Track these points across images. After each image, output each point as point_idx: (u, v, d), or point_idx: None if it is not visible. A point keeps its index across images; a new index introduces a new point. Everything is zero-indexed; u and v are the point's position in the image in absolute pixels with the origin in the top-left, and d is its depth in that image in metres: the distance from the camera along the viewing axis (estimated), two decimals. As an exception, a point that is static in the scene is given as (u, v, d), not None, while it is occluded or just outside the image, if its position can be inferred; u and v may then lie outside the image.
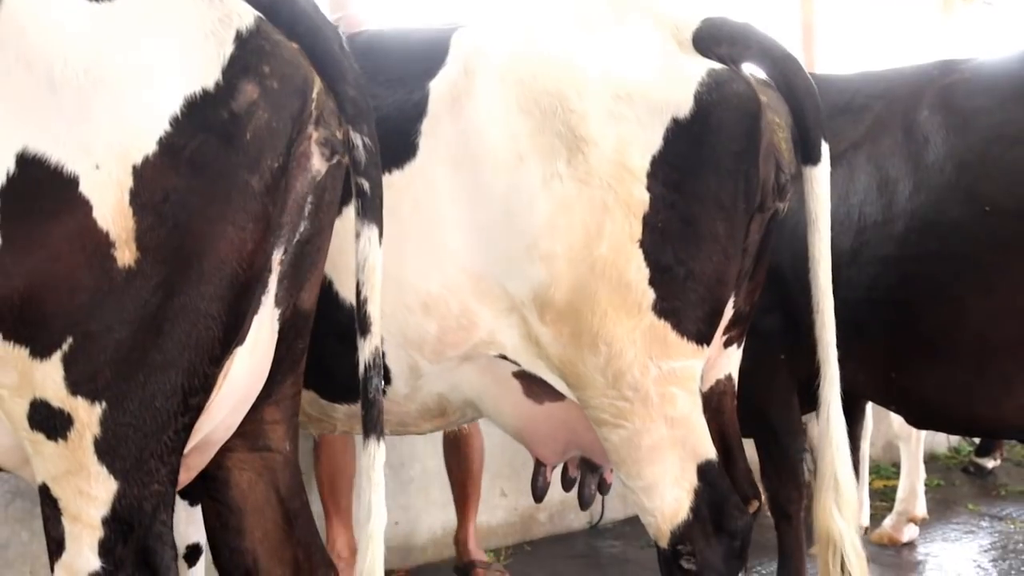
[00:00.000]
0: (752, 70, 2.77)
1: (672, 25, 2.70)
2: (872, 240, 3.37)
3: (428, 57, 2.85)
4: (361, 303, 2.27)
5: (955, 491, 6.25)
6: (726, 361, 3.05)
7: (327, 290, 2.87)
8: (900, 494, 5.42)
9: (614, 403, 2.65)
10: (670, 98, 2.59)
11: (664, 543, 2.69)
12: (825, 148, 2.73)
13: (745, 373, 3.80)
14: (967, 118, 3.27)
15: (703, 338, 2.68)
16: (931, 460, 6.36)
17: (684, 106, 2.58)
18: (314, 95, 2.20)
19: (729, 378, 3.09)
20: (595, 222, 2.58)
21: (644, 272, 2.58)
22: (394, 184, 2.73)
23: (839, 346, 3.47)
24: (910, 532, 5.33)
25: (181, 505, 3.48)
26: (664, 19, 2.72)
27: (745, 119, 2.65)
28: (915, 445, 5.43)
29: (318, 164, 2.26)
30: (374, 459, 2.25)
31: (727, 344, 3.00)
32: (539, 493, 3.56)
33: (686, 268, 2.60)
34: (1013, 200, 3.11)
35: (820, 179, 2.74)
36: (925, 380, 3.38)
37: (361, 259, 2.26)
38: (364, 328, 2.29)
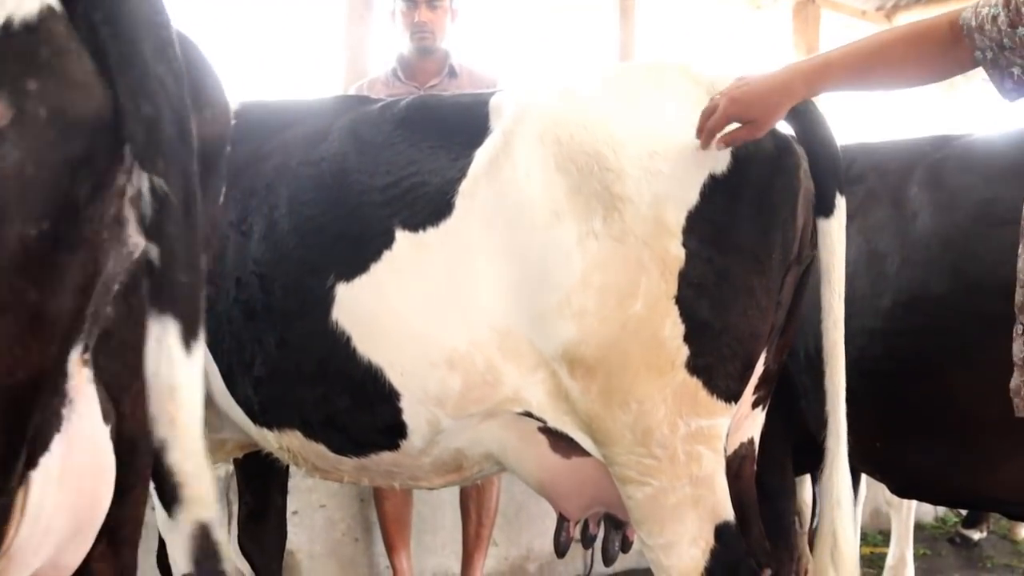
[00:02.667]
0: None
1: (708, 84, 2.70)
2: (860, 312, 3.34)
3: (470, 122, 2.88)
4: (158, 452, 1.54)
5: (941, 561, 6.18)
6: (751, 424, 3.02)
7: (343, 346, 2.84)
8: (889, 561, 5.37)
9: (641, 460, 2.61)
10: (707, 155, 2.57)
11: None
12: (841, 201, 2.71)
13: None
14: (955, 195, 3.26)
15: (732, 396, 2.66)
16: (918, 529, 6.26)
17: (721, 162, 2.59)
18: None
19: (751, 442, 3.05)
20: (629, 280, 2.57)
21: (679, 328, 2.57)
22: (428, 242, 2.76)
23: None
24: None
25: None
26: (700, 79, 2.74)
27: (783, 172, 2.67)
28: (906, 513, 5.36)
29: (135, 235, 1.62)
30: None
31: (755, 405, 2.97)
32: (561, 548, 3.50)
33: (722, 323, 2.59)
34: (996, 279, 3.08)
35: (834, 232, 2.71)
36: (908, 451, 3.36)
37: (150, 374, 1.52)
38: (173, 494, 1.55)
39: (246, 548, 3.88)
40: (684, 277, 2.56)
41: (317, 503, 4.86)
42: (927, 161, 3.43)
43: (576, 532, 3.40)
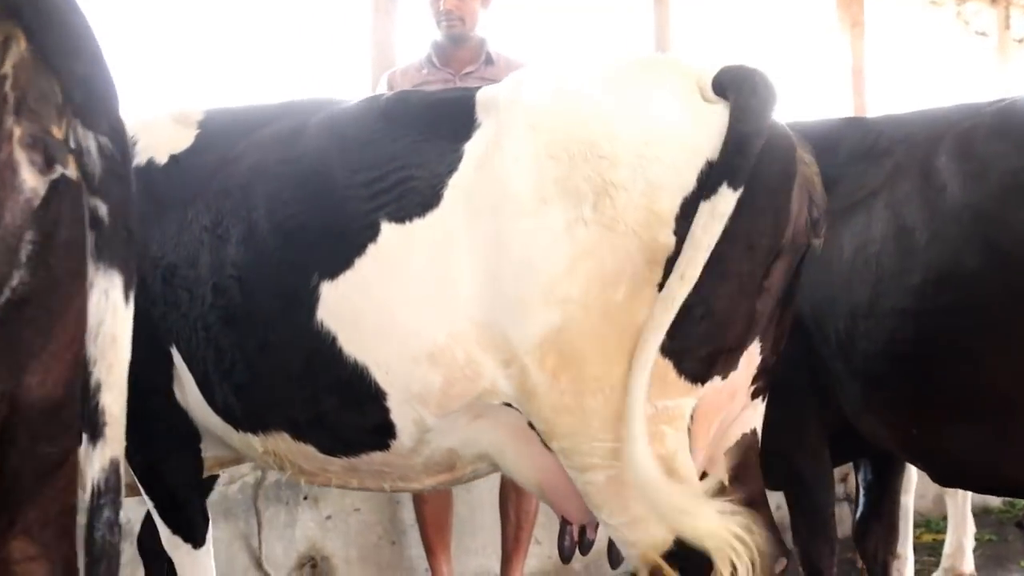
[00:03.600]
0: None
1: (696, 75, 2.65)
2: (889, 292, 3.15)
3: (454, 117, 2.83)
4: (91, 390, 1.64)
5: (1008, 547, 5.86)
6: (752, 414, 2.98)
7: (329, 346, 2.78)
8: (947, 549, 5.15)
9: (605, 445, 2.57)
10: (704, 140, 2.53)
11: (645, 571, 2.64)
12: (726, 194, 2.46)
13: (774, 426, 3.64)
14: (986, 164, 3.03)
15: (700, 378, 2.63)
16: (984, 514, 6.02)
17: (718, 147, 2.52)
18: (7, 67, 1.50)
19: (754, 432, 3.02)
20: (616, 267, 2.52)
21: None
22: (414, 233, 2.72)
23: (861, 397, 3.29)
24: None
25: (181, 552, 3.36)
26: (688, 70, 2.69)
27: (779, 156, 2.62)
28: (962, 499, 5.13)
29: (31, 179, 1.56)
30: None
31: (755, 395, 2.94)
32: (567, 554, 3.39)
33: (704, 309, 2.55)
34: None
35: (702, 218, 2.48)
36: (947, 437, 3.14)
37: (95, 323, 1.61)
38: (95, 430, 1.66)
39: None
40: (672, 265, 2.50)
41: (351, 507, 4.78)
42: (956, 130, 3.20)
43: (577, 535, 3.32)
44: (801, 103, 7.01)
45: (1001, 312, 2.92)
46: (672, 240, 2.51)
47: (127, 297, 1.63)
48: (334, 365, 2.80)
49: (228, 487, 3.65)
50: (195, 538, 3.36)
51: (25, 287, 1.61)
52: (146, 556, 3.60)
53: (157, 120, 3.35)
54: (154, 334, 3.00)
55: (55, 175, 1.59)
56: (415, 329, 2.71)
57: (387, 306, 2.75)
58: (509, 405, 2.73)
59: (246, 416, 3.04)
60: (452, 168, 2.74)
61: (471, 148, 2.75)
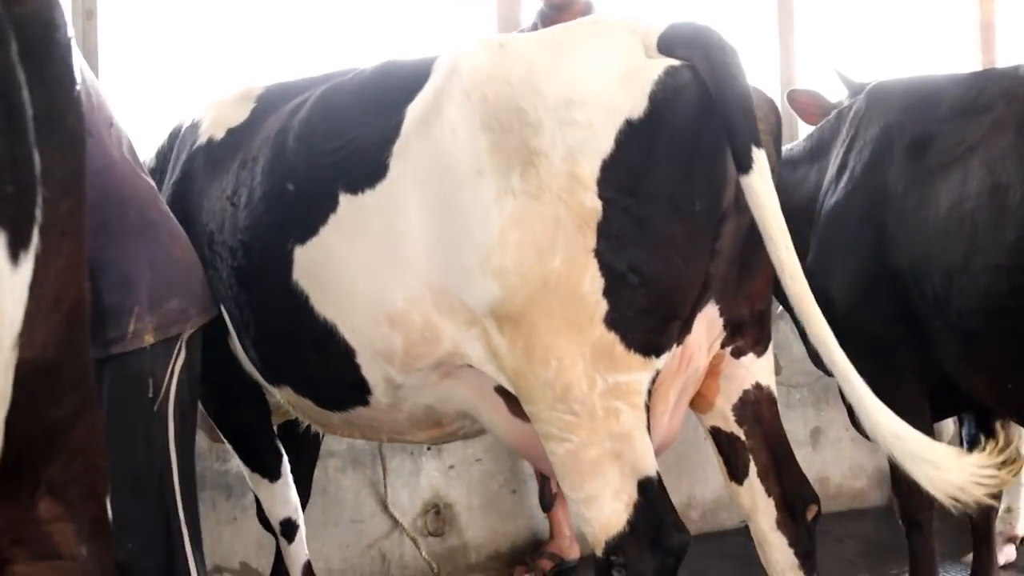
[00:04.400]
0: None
1: (644, 33, 2.58)
2: (984, 248, 3.11)
3: (411, 82, 2.80)
4: None
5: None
6: (745, 372, 2.90)
7: (304, 305, 2.93)
8: (1001, 512, 4.73)
9: (562, 417, 2.53)
10: (624, 99, 2.46)
11: (599, 552, 2.56)
12: (759, 154, 2.45)
13: (873, 382, 3.62)
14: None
15: (652, 350, 2.53)
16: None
17: (638, 106, 2.44)
18: None
19: (759, 387, 2.91)
20: (547, 236, 2.47)
21: (599, 283, 2.46)
22: (366, 204, 2.76)
23: (958, 353, 3.27)
24: (1008, 554, 4.73)
25: (262, 486, 3.65)
26: (638, 28, 2.60)
27: (707, 114, 2.47)
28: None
29: None
30: None
31: (737, 355, 2.87)
32: (546, 503, 3.50)
33: (639, 275, 2.47)
34: None
35: (758, 187, 2.46)
36: (1045, 393, 3.10)
37: None
38: None
39: None
40: (602, 230, 2.44)
41: (473, 457, 4.92)
42: (1058, 82, 3.14)
43: (556, 488, 3.29)
44: (930, 60, 6.85)
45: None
46: (599, 204, 2.44)
47: (14, 257, 1.44)
48: (311, 323, 2.92)
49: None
50: (270, 473, 3.64)
51: None
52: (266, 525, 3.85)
53: (224, 97, 3.55)
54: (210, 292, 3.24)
55: None
56: (374, 294, 2.77)
57: (347, 272, 2.83)
58: (471, 367, 2.74)
59: (263, 369, 3.27)
60: (394, 135, 2.73)
61: (411, 110, 2.72)
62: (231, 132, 3.36)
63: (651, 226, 2.46)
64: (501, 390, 2.74)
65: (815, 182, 3.87)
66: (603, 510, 2.53)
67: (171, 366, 2.94)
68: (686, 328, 2.64)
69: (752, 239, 2.61)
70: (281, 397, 3.30)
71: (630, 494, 2.52)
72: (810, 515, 2.87)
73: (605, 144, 2.44)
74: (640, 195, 2.46)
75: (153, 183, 3.17)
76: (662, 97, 2.46)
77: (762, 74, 6.03)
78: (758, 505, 2.88)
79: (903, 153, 3.49)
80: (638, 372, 2.52)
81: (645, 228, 2.46)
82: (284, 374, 3.23)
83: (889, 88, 3.74)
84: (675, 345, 2.61)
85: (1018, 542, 4.80)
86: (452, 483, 4.89)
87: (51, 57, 1.57)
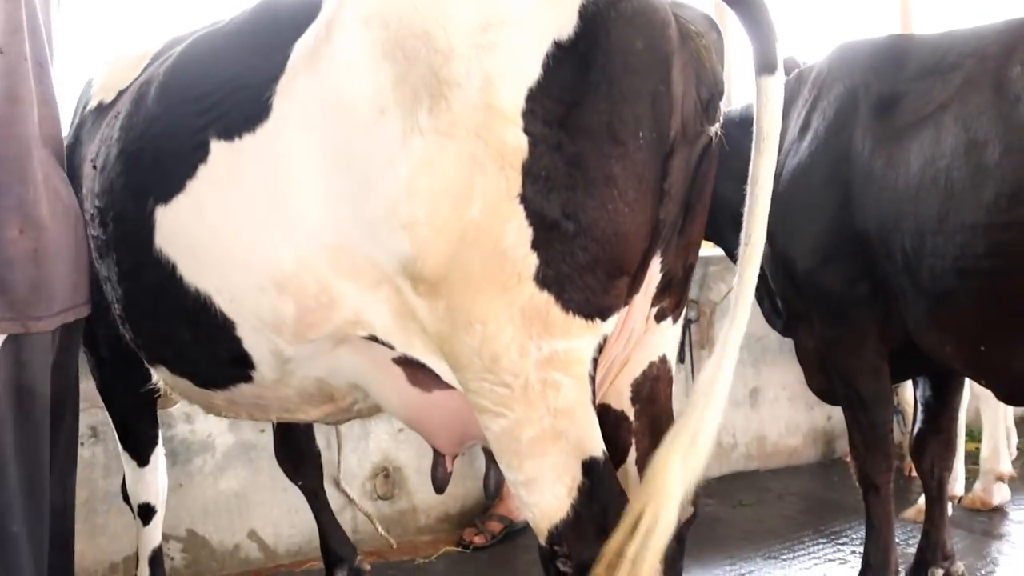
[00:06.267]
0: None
1: None
2: (959, 206, 2.83)
3: (301, 16, 2.29)
4: None
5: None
6: (659, 339, 2.40)
7: (170, 275, 2.41)
8: (984, 453, 4.87)
9: (494, 389, 2.07)
10: (550, 18, 1.99)
11: (542, 541, 2.15)
12: (780, 54, 2.10)
13: (833, 342, 3.38)
14: (1063, 73, 2.69)
15: (595, 311, 2.05)
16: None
17: (567, 25, 1.98)
18: None
19: (663, 361, 2.42)
20: (463, 181, 1.98)
21: (526, 234, 1.97)
22: (243, 150, 2.25)
23: (927, 314, 3.00)
24: (1001, 494, 4.78)
25: (130, 467, 3.36)
26: None
27: (645, 30, 2.03)
28: (995, 403, 4.81)
29: None
30: None
31: (659, 318, 2.36)
32: (439, 484, 2.86)
33: (575, 222, 1.98)
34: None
35: (773, 91, 2.09)
36: (1017, 355, 2.83)
37: None
38: None
39: None
40: (528, 171, 1.96)
41: (422, 421, 4.58)
42: (1031, 39, 2.85)
43: (452, 466, 2.77)
44: (850, 26, 6.72)
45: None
46: (524, 140, 1.95)
47: None
48: (180, 295, 2.42)
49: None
50: (140, 458, 3.30)
51: None
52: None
53: (122, 55, 3.09)
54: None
55: None
56: (256, 256, 2.26)
57: (223, 232, 2.31)
58: (374, 339, 2.25)
59: (139, 348, 2.75)
60: (279, 73, 2.22)
61: (299, 45, 2.21)
62: (120, 94, 2.85)
63: (587, 164, 1.98)
64: (402, 360, 2.26)
65: (774, 143, 3.56)
66: (544, 494, 2.10)
67: None
68: (635, 285, 2.17)
69: (697, 180, 2.21)
70: (158, 377, 2.80)
71: (574, 476, 2.08)
72: (683, 516, 2.30)
73: (530, 70, 1.97)
74: (572, 128, 1.98)
75: None
76: (594, 12, 1.99)
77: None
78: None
79: (869, 112, 3.21)
80: (579, 338, 2.05)
81: (580, 166, 1.98)
82: (157, 353, 2.70)
83: (854, 48, 3.44)
84: (623, 306, 2.15)
85: (956, 501, 4.66)
86: (401, 447, 4.57)
87: None
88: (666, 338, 2.40)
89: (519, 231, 1.97)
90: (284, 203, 2.18)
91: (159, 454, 3.35)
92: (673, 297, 2.37)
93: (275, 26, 2.32)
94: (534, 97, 1.96)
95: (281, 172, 2.18)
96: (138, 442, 3.31)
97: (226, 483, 4.17)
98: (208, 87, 2.37)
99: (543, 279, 1.99)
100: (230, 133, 2.26)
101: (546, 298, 2.00)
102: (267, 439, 4.21)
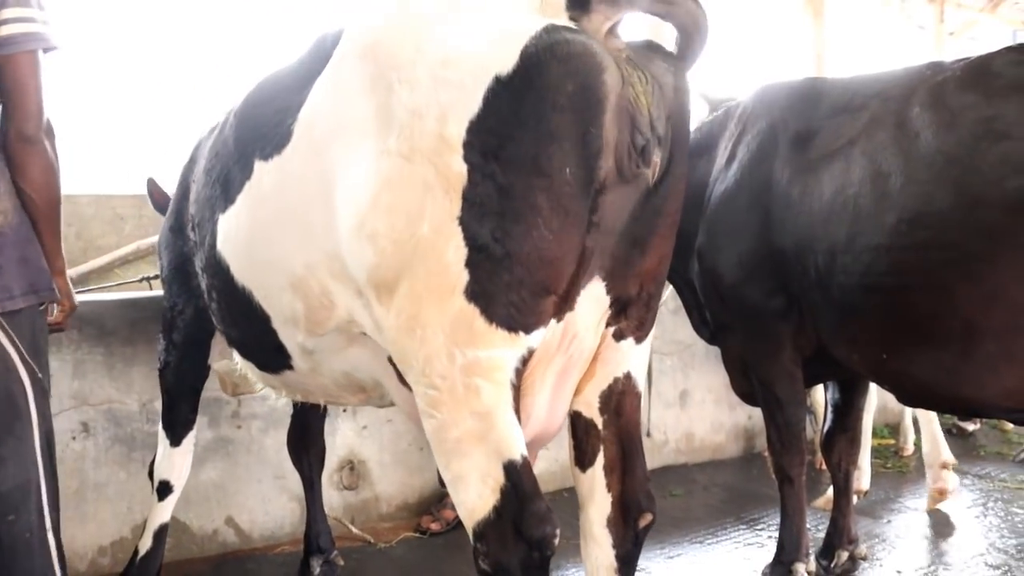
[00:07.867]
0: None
1: None
2: (866, 229, 2.98)
3: (323, 52, 2.44)
4: None
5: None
6: (621, 357, 2.40)
7: (228, 273, 2.73)
8: (925, 448, 4.79)
9: (427, 391, 2.11)
10: (495, 56, 2.01)
11: (471, 539, 2.14)
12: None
13: (754, 350, 3.52)
14: (956, 114, 2.86)
15: (518, 326, 2.06)
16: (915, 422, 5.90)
17: (508, 63, 1.99)
18: None
19: (628, 377, 2.42)
20: (417, 200, 2.04)
21: (462, 252, 2.02)
22: (273, 169, 2.47)
23: (837, 325, 3.15)
24: (952, 480, 4.69)
25: (163, 445, 3.49)
26: None
27: (578, 73, 2.00)
28: (865, 419, 4.77)
29: None
30: None
31: (618, 337, 2.37)
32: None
33: (503, 247, 2.01)
34: (999, 193, 2.70)
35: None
36: (914, 362, 2.97)
37: None
38: None
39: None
40: (467, 196, 2.01)
41: (384, 418, 4.62)
42: (928, 84, 3.01)
43: None
44: (769, 65, 7.01)
45: (968, 248, 2.74)
46: (464, 168, 2.00)
47: None
48: (234, 290, 2.70)
49: (277, 400, 3.55)
50: (174, 438, 3.48)
51: None
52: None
53: None
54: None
55: None
56: (278, 260, 2.43)
57: (256, 239, 2.52)
58: (365, 335, 2.38)
59: (222, 333, 3.10)
60: (302, 101, 2.39)
61: (320, 81, 2.35)
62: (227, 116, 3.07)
63: (514, 194, 1.99)
64: (391, 359, 2.33)
65: (704, 171, 3.71)
66: (470, 493, 2.10)
67: None
68: (566, 304, 2.17)
69: (647, 216, 2.21)
70: (240, 362, 3.07)
71: (496, 478, 2.08)
72: (643, 523, 2.41)
73: (473, 104, 2.01)
74: (503, 160, 2.00)
75: None
76: (533, 53, 1.99)
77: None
78: (595, 497, 2.40)
79: (787, 146, 3.36)
80: (501, 348, 2.06)
81: (508, 196, 1.99)
82: (232, 338, 2.99)
83: (774, 89, 3.61)
84: (554, 322, 2.16)
85: (862, 495, 4.79)
86: (365, 442, 4.60)
87: None
88: (627, 357, 2.41)
89: (457, 249, 2.02)
90: (299, 215, 2.35)
91: (190, 439, 3.48)
92: (632, 320, 2.37)
93: (316, 61, 2.46)
94: (473, 129, 2.00)
95: (297, 188, 2.37)
96: (177, 422, 3.46)
97: (206, 474, 4.18)
98: (261, 116, 2.56)
99: (471, 293, 2.03)
100: (265, 155, 2.47)
101: (472, 310, 2.03)
102: (243, 435, 4.26)
